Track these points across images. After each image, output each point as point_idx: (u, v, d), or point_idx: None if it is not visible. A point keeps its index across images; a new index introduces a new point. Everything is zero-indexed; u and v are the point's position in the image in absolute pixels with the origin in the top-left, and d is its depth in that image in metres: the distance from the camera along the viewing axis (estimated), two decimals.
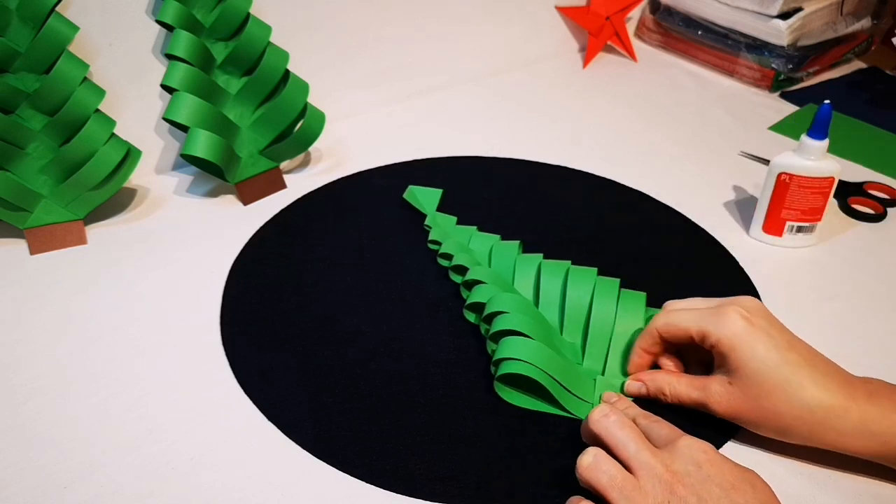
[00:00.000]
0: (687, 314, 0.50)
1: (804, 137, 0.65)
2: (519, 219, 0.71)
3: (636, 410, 0.49)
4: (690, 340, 0.49)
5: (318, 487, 0.46)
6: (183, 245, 0.66)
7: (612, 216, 0.73)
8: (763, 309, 0.48)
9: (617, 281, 0.57)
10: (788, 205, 0.67)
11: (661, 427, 0.45)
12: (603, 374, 0.54)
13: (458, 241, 0.66)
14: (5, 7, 0.63)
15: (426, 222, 0.69)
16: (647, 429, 0.45)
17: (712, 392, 0.48)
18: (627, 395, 0.52)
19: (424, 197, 0.72)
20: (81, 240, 0.66)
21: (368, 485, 0.46)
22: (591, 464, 0.41)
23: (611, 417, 0.44)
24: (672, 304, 0.53)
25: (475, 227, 0.68)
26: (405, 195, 0.73)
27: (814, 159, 0.65)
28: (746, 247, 0.69)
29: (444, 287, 0.62)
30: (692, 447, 0.41)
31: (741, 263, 0.67)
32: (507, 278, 0.60)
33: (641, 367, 0.53)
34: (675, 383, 0.50)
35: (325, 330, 0.58)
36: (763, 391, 0.45)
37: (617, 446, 0.42)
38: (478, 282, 0.59)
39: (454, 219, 0.69)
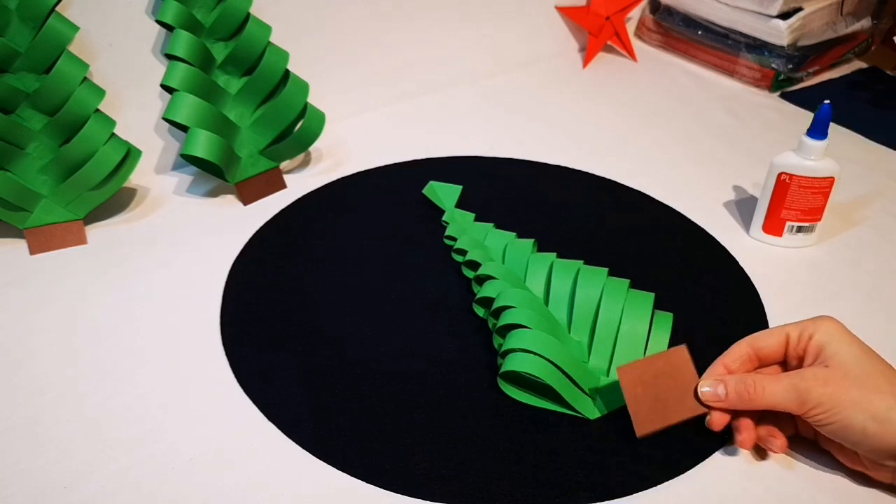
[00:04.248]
0: (778, 327, 0.49)
1: (804, 137, 0.65)
2: (519, 219, 0.71)
3: None
4: (782, 346, 0.48)
5: (318, 487, 0.46)
6: (183, 245, 0.66)
7: (612, 216, 0.73)
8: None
9: (626, 281, 0.57)
10: (788, 205, 0.67)
11: None
12: (608, 373, 0.54)
13: (473, 237, 0.66)
14: (5, 7, 0.63)
15: (444, 218, 0.70)
16: None
17: (807, 376, 0.45)
18: (704, 403, 0.47)
19: (444, 192, 0.73)
20: (81, 240, 0.66)
21: (368, 485, 0.46)
22: None
23: None
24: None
25: (492, 224, 0.68)
26: (424, 190, 0.74)
27: (814, 159, 0.65)
28: (746, 247, 0.69)
29: (444, 287, 0.62)
30: None
31: (741, 263, 0.67)
32: (519, 275, 0.61)
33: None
34: (759, 378, 0.46)
35: (325, 330, 0.58)
36: (861, 374, 0.45)
37: None
38: (489, 277, 0.60)
39: (472, 215, 0.70)
